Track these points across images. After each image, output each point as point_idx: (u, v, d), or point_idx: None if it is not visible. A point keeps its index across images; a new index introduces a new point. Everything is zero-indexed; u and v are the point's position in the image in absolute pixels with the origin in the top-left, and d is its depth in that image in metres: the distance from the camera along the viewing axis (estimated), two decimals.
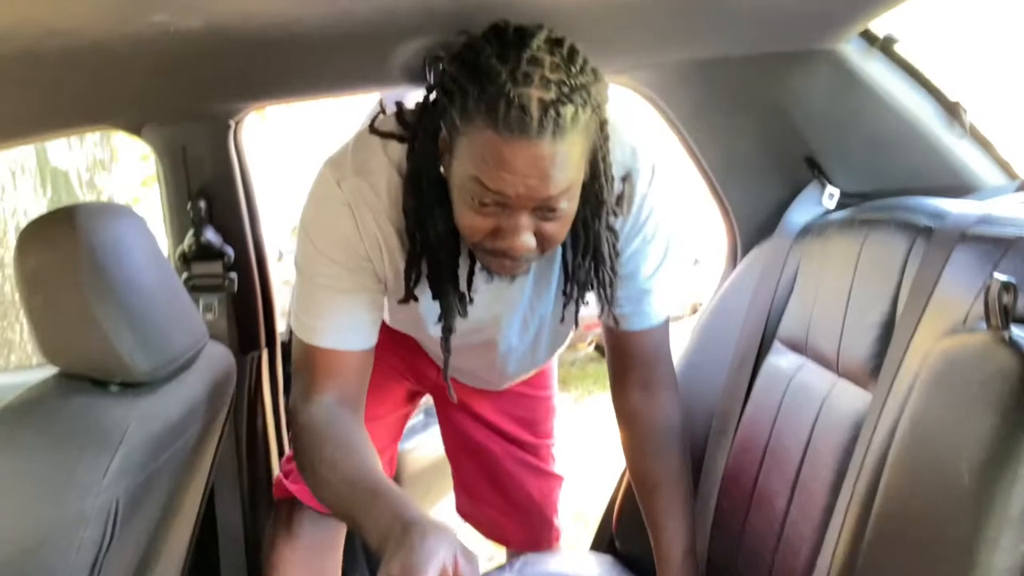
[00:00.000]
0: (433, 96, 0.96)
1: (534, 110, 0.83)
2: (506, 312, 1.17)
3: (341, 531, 1.42)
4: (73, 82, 1.08)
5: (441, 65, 0.93)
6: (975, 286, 0.88)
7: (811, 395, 1.14)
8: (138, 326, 1.04)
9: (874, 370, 1.02)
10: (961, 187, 1.30)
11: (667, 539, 1.16)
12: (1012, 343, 0.72)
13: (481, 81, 0.84)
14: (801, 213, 1.37)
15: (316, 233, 1.03)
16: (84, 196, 3.90)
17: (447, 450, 1.57)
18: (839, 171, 1.37)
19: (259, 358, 1.64)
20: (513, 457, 1.51)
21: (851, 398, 1.06)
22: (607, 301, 1.07)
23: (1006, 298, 0.74)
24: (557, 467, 1.56)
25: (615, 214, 1.03)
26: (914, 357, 0.93)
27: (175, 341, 1.12)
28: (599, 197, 0.98)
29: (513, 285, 1.12)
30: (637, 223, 1.08)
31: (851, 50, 1.28)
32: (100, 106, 1.30)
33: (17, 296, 3.71)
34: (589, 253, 1.02)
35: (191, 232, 1.51)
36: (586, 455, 2.94)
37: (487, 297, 1.11)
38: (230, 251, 1.54)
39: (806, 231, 1.33)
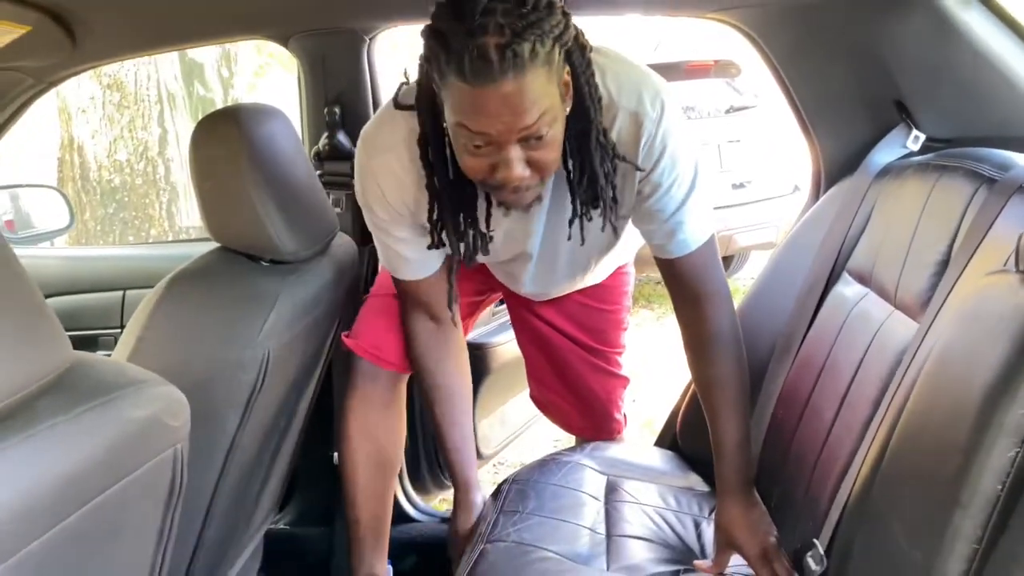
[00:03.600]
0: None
1: (492, 55, 0.94)
2: (529, 240, 1.33)
3: (399, 387, 1.54)
4: None
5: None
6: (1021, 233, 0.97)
7: (869, 322, 1.26)
8: (285, 213, 1.23)
9: (924, 304, 1.13)
10: None
11: (721, 430, 1.29)
12: None
13: (446, 43, 0.96)
14: (885, 154, 1.44)
15: (363, 200, 1.26)
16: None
17: (518, 341, 1.71)
18: (926, 116, 1.42)
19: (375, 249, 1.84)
20: (577, 355, 1.62)
21: (902, 327, 1.17)
22: (611, 215, 1.18)
23: None
24: (623, 371, 1.67)
25: (605, 135, 1.13)
26: (958, 294, 1.03)
27: (313, 228, 1.32)
28: (588, 117, 1.09)
29: (531, 216, 1.27)
30: (650, 163, 1.18)
31: (950, 0, 1.32)
32: (255, 17, 1.48)
33: (158, 177, 4.07)
34: (586, 172, 1.14)
35: (326, 135, 1.70)
36: (660, 369, 3.09)
37: (509, 230, 1.29)
38: None
39: (886, 171, 1.41)
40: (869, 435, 1.11)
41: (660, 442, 1.72)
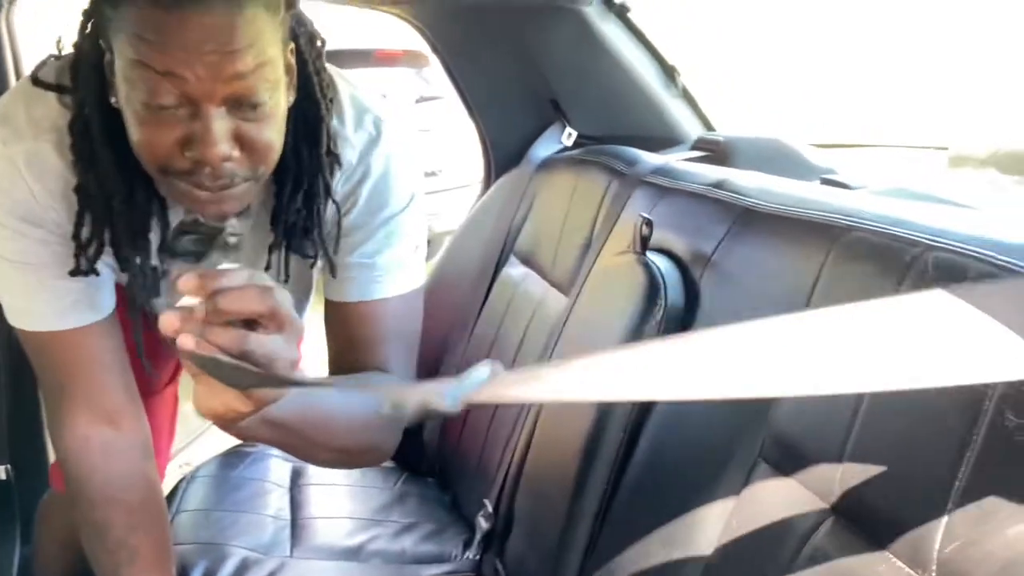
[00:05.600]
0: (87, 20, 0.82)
1: None
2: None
3: None
4: None
5: None
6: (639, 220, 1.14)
7: (530, 299, 1.39)
8: None
9: (572, 281, 1.28)
10: (671, 137, 1.58)
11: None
12: (644, 263, 0.98)
13: None
14: (544, 148, 1.61)
15: None
16: None
17: None
18: (578, 115, 1.60)
19: None
20: None
21: (556, 302, 1.31)
22: (323, 249, 0.92)
23: (645, 231, 1.00)
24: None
25: (333, 147, 0.88)
26: (596, 272, 1.19)
27: None
28: (318, 115, 0.85)
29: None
30: (350, 190, 0.93)
31: (592, 12, 1.49)
32: None
33: None
34: (302, 186, 0.87)
35: None
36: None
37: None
38: None
39: (545, 164, 1.57)
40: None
41: None
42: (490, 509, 1.21)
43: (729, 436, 0.80)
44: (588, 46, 1.51)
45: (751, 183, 1.00)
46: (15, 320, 0.93)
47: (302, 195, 0.88)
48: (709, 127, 1.60)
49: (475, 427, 1.41)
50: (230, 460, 1.44)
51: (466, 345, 1.54)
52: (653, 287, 0.95)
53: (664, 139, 1.55)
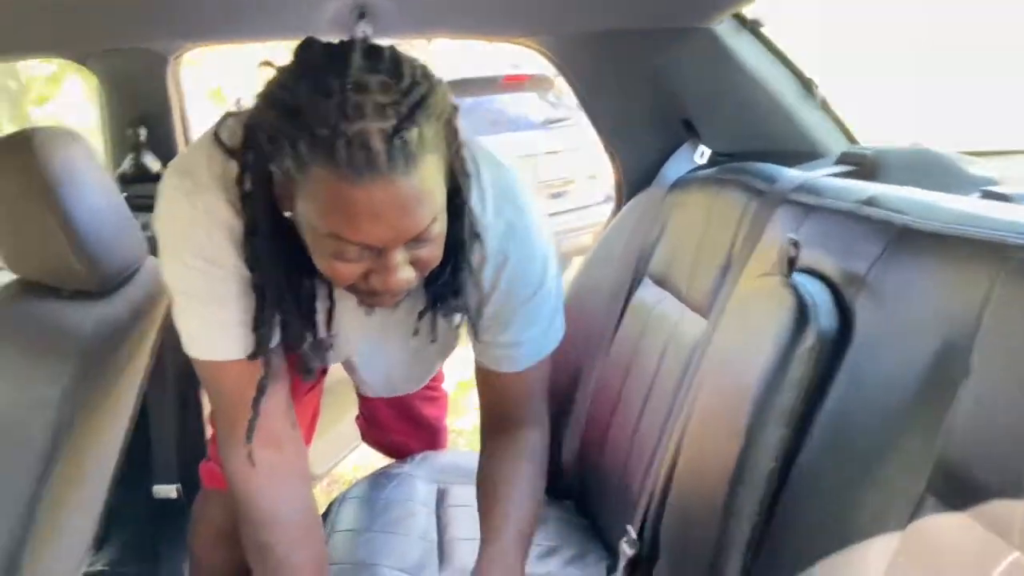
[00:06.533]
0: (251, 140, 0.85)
1: (377, 144, 0.74)
2: (364, 344, 1.11)
3: None
4: (20, 9, 1.18)
5: (256, 105, 0.83)
6: (784, 240, 1.11)
7: (666, 321, 1.38)
8: (89, 240, 1.17)
9: (711, 304, 1.26)
10: (811, 152, 1.53)
11: (499, 517, 1.08)
12: (791, 286, 0.95)
13: (308, 125, 0.75)
14: (676, 168, 1.59)
15: (177, 248, 0.95)
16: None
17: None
18: (711, 132, 1.58)
19: None
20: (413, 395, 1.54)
21: (694, 325, 1.29)
22: (467, 311, 1.01)
23: (792, 252, 0.97)
24: (445, 385, 1.72)
25: (473, 225, 0.95)
26: (737, 295, 1.16)
27: (120, 254, 1.27)
28: (459, 196, 0.91)
29: (373, 315, 1.04)
30: (491, 276, 1.01)
31: (724, 29, 1.47)
32: (48, 36, 1.41)
33: None
34: (451, 260, 0.94)
35: (131, 156, 1.64)
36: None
37: (346, 331, 1.05)
38: None
39: (678, 183, 1.55)
40: (670, 425, 1.23)
41: None
42: (634, 535, 1.20)
43: (893, 465, 0.76)
44: (721, 64, 1.49)
45: (905, 199, 0.96)
46: (193, 350, 1.00)
47: (449, 268, 0.95)
48: (852, 140, 1.54)
49: (614, 450, 1.41)
50: (378, 481, 1.49)
51: (601, 370, 1.53)
52: (803, 311, 0.92)
53: (803, 153, 1.50)
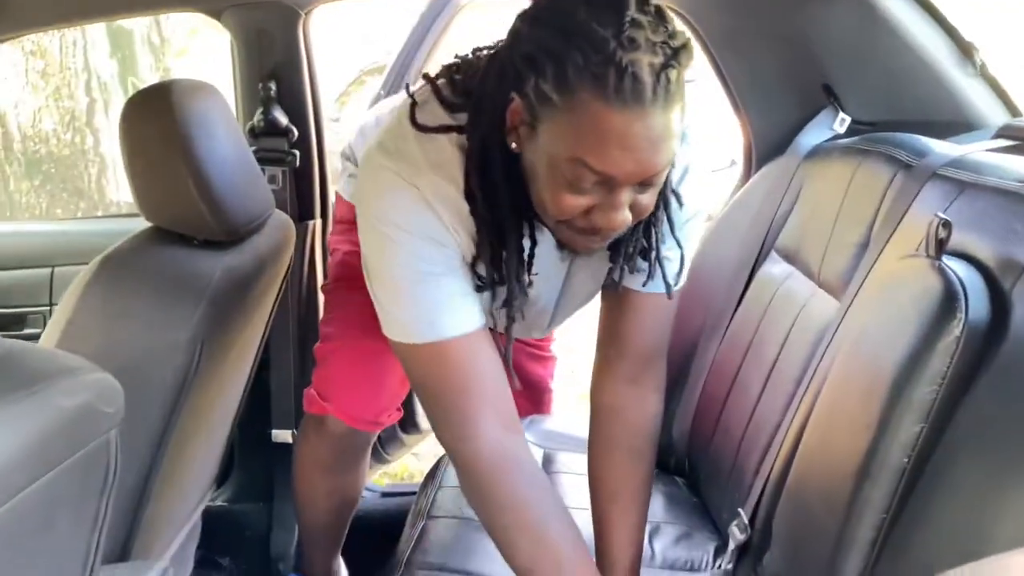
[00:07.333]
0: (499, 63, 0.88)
1: (646, 76, 0.77)
2: (547, 285, 1.10)
3: (368, 447, 1.53)
4: None
5: (515, 28, 0.85)
6: (932, 219, 1.02)
7: (793, 300, 1.31)
8: (220, 191, 1.21)
9: (846, 283, 1.18)
10: (965, 123, 1.40)
11: (616, 546, 1.08)
12: (939, 269, 0.87)
13: (582, 47, 0.77)
14: (813, 135, 1.49)
15: (401, 230, 0.94)
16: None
17: None
18: (852, 99, 1.47)
19: (313, 226, 1.83)
20: (517, 349, 1.50)
21: (825, 306, 1.22)
22: (655, 268, 1.01)
23: (942, 233, 0.89)
24: (554, 348, 1.71)
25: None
26: (876, 275, 1.08)
27: (249, 206, 1.30)
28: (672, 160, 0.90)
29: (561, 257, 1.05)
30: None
31: None
32: None
33: (87, 148, 3.94)
34: (650, 218, 0.94)
35: (260, 110, 1.68)
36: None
37: (541, 275, 1.04)
38: (294, 129, 1.71)
39: (814, 152, 1.46)
40: (792, 410, 1.17)
41: None
42: (746, 520, 1.16)
43: None
44: (870, 25, 1.39)
45: None
46: (420, 336, 0.97)
47: (642, 227, 0.96)
48: (1015, 112, 1.41)
49: (729, 430, 1.36)
50: None
51: (719, 346, 1.48)
52: (951, 296, 0.84)
53: (957, 124, 1.39)
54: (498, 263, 0.96)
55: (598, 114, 0.78)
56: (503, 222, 0.93)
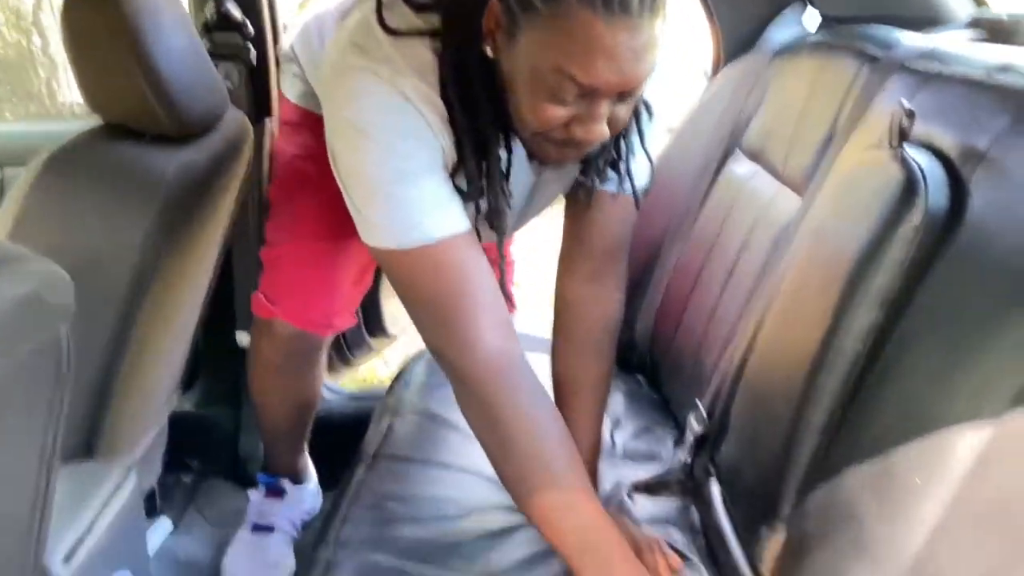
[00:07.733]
0: None
1: None
2: (515, 193, 1.07)
3: (321, 350, 1.49)
4: None
5: None
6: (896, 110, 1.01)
7: (758, 199, 1.30)
8: (171, 85, 1.16)
9: (809, 179, 1.17)
10: (934, 17, 1.38)
11: (575, 435, 1.01)
12: (901, 158, 0.87)
13: None
14: (781, 32, 1.47)
15: (378, 128, 0.91)
16: None
17: None
18: None
19: (271, 125, 1.77)
20: None
21: (788, 203, 1.22)
22: (624, 177, 1.04)
23: (905, 121, 0.88)
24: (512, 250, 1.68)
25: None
26: (838, 169, 1.08)
27: (202, 102, 1.25)
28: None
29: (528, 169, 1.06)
30: None
31: None
32: None
33: (36, 51, 3.77)
34: (621, 132, 0.96)
35: (213, 3, 1.60)
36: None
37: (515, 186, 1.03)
38: (248, 24, 1.64)
39: (782, 50, 1.43)
40: (753, 304, 1.18)
41: None
42: (704, 412, 1.18)
43: (997, 353, 0.70)
44: None
45: None
46: (409, 239, 0.92)
47: (615, 138, 0.98)
48: (982, 3, 1.38)
49: (690, 328, 1.37)
50: None
51: (683, 246, 1.48)
52: (911, 185, 0.84)
53: (925, 19, 1.36)
54: (481, 173, 0.94)
55: (586, 23, 0.77)
56: (486, 133, 0.92)
